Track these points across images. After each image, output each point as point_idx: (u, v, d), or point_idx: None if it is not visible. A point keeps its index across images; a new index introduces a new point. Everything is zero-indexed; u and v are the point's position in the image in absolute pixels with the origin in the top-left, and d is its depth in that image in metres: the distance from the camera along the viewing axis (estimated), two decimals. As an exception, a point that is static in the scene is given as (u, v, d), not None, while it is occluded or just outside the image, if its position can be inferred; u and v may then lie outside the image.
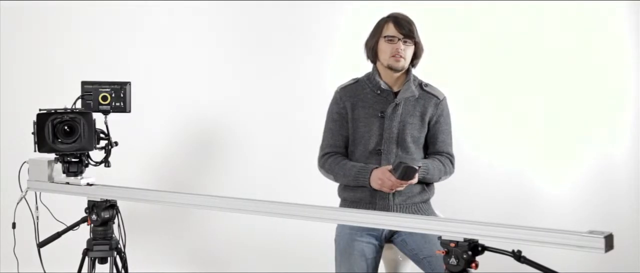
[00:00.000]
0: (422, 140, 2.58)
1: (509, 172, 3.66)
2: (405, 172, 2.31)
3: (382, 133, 2.51)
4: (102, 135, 2.38)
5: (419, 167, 2.34)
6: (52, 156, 2.32)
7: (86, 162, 2.35)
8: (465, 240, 1.68)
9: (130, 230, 2.52)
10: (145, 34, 3.57)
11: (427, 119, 2.55)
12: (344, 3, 3.63)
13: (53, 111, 2.26)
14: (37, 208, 2.40)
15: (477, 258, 1.69)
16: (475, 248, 1.68)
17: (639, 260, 3.56)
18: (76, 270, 2.40)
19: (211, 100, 3.62)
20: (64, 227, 2.41)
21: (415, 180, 2.40)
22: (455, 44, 3.58)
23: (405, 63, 2.50)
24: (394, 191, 2.44)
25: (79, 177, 2.32)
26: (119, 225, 2.40)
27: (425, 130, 2.57)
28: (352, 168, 2.48)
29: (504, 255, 1.67)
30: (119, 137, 2.42)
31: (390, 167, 2.38)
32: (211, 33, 3.62)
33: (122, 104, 2.39)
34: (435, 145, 2.59)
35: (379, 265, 2.53)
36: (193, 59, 3.60)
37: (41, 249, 2.38)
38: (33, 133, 2.26)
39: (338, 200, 2.63)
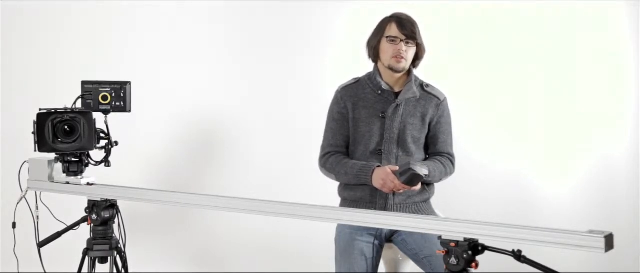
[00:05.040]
0: (423, 141, 2.58)
1: (509, 172, 3.66)
2: (411, 179, 2.31)
3: (383, 133, 2.51)
4: (102, 135, 2.38)
5: (426, 175, 2.33)
6: (52, 156, 2.33)
7: (86, 161, 2.35)
8: (466, 239, 1.68)
9: (130, 230, 2.52)
10: (145, 34, 3.56)
11: (427, 120, 2.55)
12: (343, 3, 3.63)
13: (53, 111, 2.26)
14: (37, 208, 2.40)
15: (477, 258, 1.69)
16: (475, 248, 1.68)
17: (639, 260, 3.56)
18: (76, 270, 2.40)
19: (211, 100, 3.62)
20: (64, 226, 2.41)
21: (417, 187, 2.40)
22: (456, 44, 3.58)
23: (406, 64, 2.50)
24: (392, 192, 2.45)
25: (79, 177, 2.32)
26: (119, 225, 2.40)
27: (426, 130, 2.57)
28: (354, 167, 2.48)
29: (504, 255, 1.67)
30: (119, 137, 2.42)
31: (395, 167, 2.37)
32: (212, 33, 3.62)
33: (122, 103, 2.40)
34: (435, 145, 2.59)
35: (379, 264, 2.54)
36: (193, 59, 3.60)
37: (41, 249, 2.39)
38: (33, 133, 2.27)
39: (338, 200, 2.64)
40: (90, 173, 2.37)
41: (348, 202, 2.56)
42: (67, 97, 2.38)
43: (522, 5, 3.57)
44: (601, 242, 1.52)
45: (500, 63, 3.61)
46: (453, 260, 1.69)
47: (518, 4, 3.57)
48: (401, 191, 2.42)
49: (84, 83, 2.40)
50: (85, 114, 2.28)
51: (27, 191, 2.39)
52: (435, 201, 2.64)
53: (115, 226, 2.39)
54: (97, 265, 2.38)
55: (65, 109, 2.29)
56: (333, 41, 3.65)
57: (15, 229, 2.45)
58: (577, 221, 3.49)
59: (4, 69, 3.48)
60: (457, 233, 1.70)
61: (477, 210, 3.50)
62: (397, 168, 2.36)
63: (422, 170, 2.30)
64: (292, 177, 3.57)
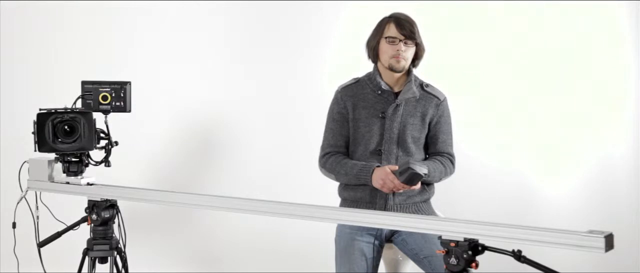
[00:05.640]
0: (423, 141, 2.58)
1: (509, 172, 3.66)
2: (411, 178, 2.31)
3: (383, 133, 2.51)
4: (102, 135, 2.38)
5: (425, 174, 2.33)
6: (52, 156, 2.33)
7: (86, 161, 2.35)
8: (466, 239, 1.68)
9: (130, 230, 2.52)
10: (145, 34, 3.57)
11: (427, 120, 2.55)
12: (343, 3, 3.63)
13: (53, 111, 2.26)
14: (37, 208, 2.40)
15: (477, 258, 1.69)
16: (475, 248, 1.68)
17: (639, 260, 3.56)
18: (76, 270, 2.40)
19: (211, 100, 3.62)
20: (64, 226, 2.41)
21: (417, 187, 2.40)
22: (456, 44, 3.58)
23: (405, 64, 2.50)
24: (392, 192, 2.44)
25: (79, 177, 2.32)
26: (119, 225, 2.40)
27: (426, 130, 2.57)
28: (354, 167, 2.48)
29: (504, 255, 1.67)
30: (119, 137, 2.42)
31: (395, 167, 2.37)
32: (212, 33, 3.62)
33: (122, 103, 2.40)
34: (435, 145, 2.59)
35: (379, 264, 2.54)
36: (193, 59, 3.60)
37: (41, 249, 2.39)
38: (33, 133, 2.27)
39: (338, 200, 2.64)
40: (90, 173, 2.37)
41: (348, 202, 2.56)
42: (67, 97, 2.38)
43: (522, 5, 3.57)
44: (601, 242, 1.52)
45: (500, 63, 3.61)
46: (453, 260, 1.69)
47: (518, 4, 3.57)
48: (401, 191, 2.42)
49: (84, 83, 2.40)
50: (85, 114, 2.28)
51: (27, 191, 2.39)
52: (435, 201, 2.64)
53: (115, 226, 2.39)
54: (97, 265, 2.38)
55: (65, 109, 2.29)
56: (333, 41, 3.65)
57: (15, 229, 2.46)
58: (577, 221, 3.49)
59: (4, 69, 3.48)
60: (457, 233, 1.70)
61: (477, 210, 3.50)
62: (396, 168, 2.36)
63: (422, 170, 2.31)
64: (292, 177, 3.57)
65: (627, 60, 3.65)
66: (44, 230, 2.40)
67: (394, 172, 2.35)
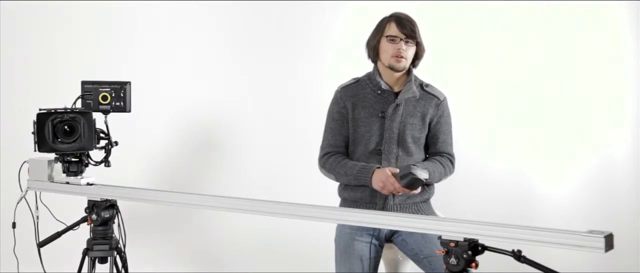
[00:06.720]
0: (423, 141, 2.57)
1: (509, 172, 3.66)
2: (412, 183, 2.30)
3: (383, 133, 2.51)
4: (102, 135, 2.38)
5: (426, 179, 2.33)
6: (52, 156, 2.33)
7: (86, 161, 2.35)
8: (465, 239, 1.68)
9: (130, 230, 2.52)
10: (145, 34, 3.56)
11: (427, 120, 2.55)
12: (343, 3, 3.63)
13: (53, 111, 2.26)
14: (37, 208, 2.40)
15: (477, 258, 1.69)
16: (475, 248, 1.68)
17: (639, 260, 3.56)
18: (76, 270, 2.40)
19: (211, 100, 3.62)
20: (64, 226, 2.41)
21: (417, 191, 2.40)
22: (456, 44, 3.58)
23: (406, 63, 2.50)
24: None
25: (79, 177, 2.32)
26: (119, 225, 2.40)
27: (426, 130, 2.57)
28: (353, 167, 2.48)
29: (504, 255, 1.67)
30: (119, 137, 2.42)
31: (396, 170, 2.37)
32: (212, 33, 3.62)
33: (122, 103, 2.40)
34: (435, 145, 2.59)
35: (379, 265, 2.54)
36: (193, 59, 3.60)
37: (41, 249, 2.39)
38: (33, 133, 2.27)
39: (338, 200, 2.63)
40: (90, 173, 2.37)
41: (348, 202, 2.56)
42: (67, 97, 2.38)
43: (522, 5, 3.57)
44: (601, 242, 1.52)
45: (500, 63, 3.61)
46: (453, 260, 1.69)
47: (518, 4, 3.57)
48: (400, 193, 2.42)
49: (84, 83, 2.40)
50: (85, 114, 2.28)
51: (27, 191, 2.39)
52: (435, 201, 2.64)
53: (115, 226, 2.40)
54: (97, 265, 2.39)
55: (65, 109, 2.29)
56: (333, 41, 3.65)
57: (15, 229, 2.46)
58: (577, 221, 3.50)
59: (4, 69, 3.48)
60: (457, 233, 1.70)
61: (477, 210, 3.50)
62: (397, 170, 2.36)
63: (422, 175, 2.30)
64: (292, 177, 3.57)
65: (627, 60, 3.65)
66: (44, 230, 2.40)
67: (394, 175, 2.35)
